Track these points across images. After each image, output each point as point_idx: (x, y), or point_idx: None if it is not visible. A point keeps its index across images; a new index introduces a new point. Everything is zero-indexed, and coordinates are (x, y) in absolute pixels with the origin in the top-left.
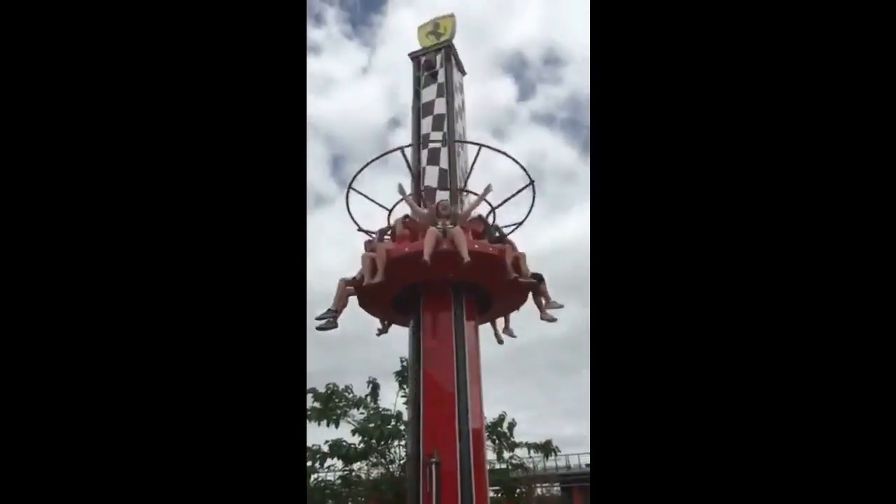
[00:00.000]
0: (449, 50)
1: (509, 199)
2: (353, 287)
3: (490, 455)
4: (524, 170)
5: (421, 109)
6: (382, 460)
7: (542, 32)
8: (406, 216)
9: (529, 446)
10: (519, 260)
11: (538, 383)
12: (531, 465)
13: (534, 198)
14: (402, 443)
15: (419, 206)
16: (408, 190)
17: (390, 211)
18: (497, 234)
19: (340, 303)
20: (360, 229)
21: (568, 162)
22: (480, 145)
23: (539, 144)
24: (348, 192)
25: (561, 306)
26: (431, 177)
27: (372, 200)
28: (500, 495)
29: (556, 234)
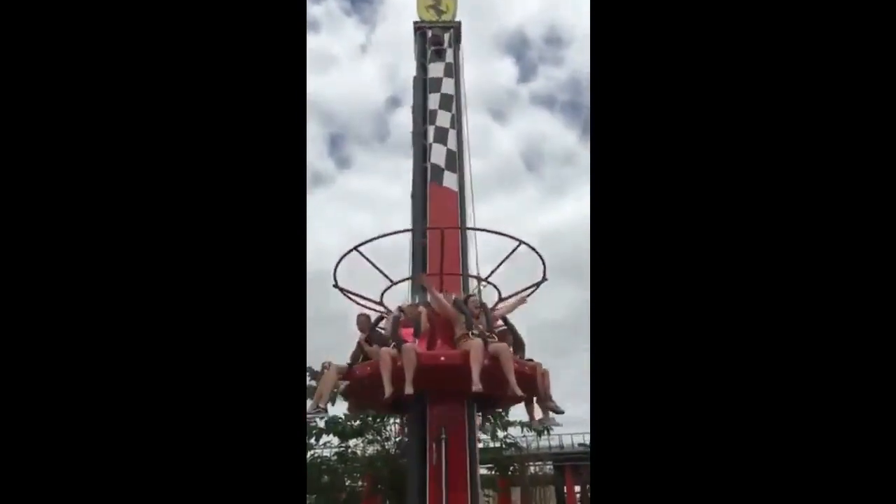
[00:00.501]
0: (458, 30)
1: (520, 292)
2: (343, 377)
3: (484, 434)
4: (542, 262)
5: (428, 84)
6: (378, 437)
7: (544, 11)
8: (427, 304)
9: (523, 425)
10: (545, 377)
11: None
12: (524, 445)
13: (537, 285)
14: (398, 420)
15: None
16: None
17: (387, 288)
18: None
19: (329, 393)
20: (345, 292)
21: (567, 145)
22: (520, 242)
23: (539, 126)
24: (342, 257)
25: (558, 416)
26: (438, 155)
27: (378, 269)
28: (493, 472)
29: (553, 218)
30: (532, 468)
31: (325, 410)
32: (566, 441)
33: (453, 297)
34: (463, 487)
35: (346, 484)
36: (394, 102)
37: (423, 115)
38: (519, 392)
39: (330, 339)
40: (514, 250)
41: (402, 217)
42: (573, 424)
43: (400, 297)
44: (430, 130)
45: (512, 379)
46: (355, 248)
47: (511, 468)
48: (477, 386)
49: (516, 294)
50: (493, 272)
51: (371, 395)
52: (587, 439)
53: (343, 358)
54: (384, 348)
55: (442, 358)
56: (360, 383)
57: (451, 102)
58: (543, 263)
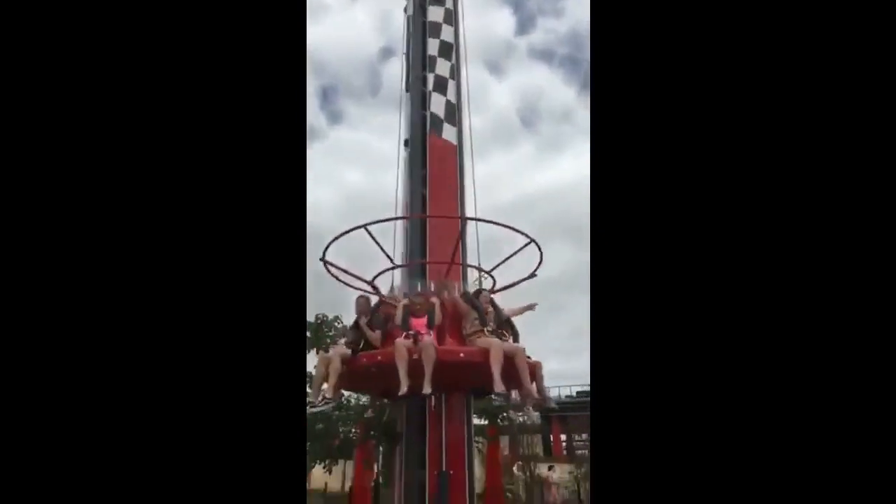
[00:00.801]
0: None
1: (513, 284)
2: (347, 364)
3: None
4: (540, 258)
5: (427, 28)
6: None
7: None
8: (438, 295)
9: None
10: (541, 370)
11: (526, 321)
12: (514, 395)
13: (526, 278)
14: None
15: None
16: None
17: (374, 277)
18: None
19: (335, 382)
20: (328, 265)
21: (565, 101)
22: (530, 240)
23: (536, 81)
24: (345, 234)
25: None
26: (438, 104)
27: (383, 250)
28: (481, 420)
29: (550, 176)
30: (520, 418)
31: (333, 399)
32: (554, 393)
33: (455, 285)
34: (460, 428)
35: (340, 431)
36: (387, 52)
37: (421, 60)
38: (536, 395)
39: (323, 294)
40: (523, 247)
41: (396, 172)
42: (561, 378)
43: (385, 278)
44: (430, 78)
45: (527, 379)
46: (363, 226)
47: (500, 417)
48: (500, 387)
49: (512, 285)
50: (496, 267)
51: (377, 383)
52: (574, 391)
53: (335, 311)
54: (400, 340)
55: (461, 355)
56: (366, 371)
57: (451, 51)
58: (540, 260)
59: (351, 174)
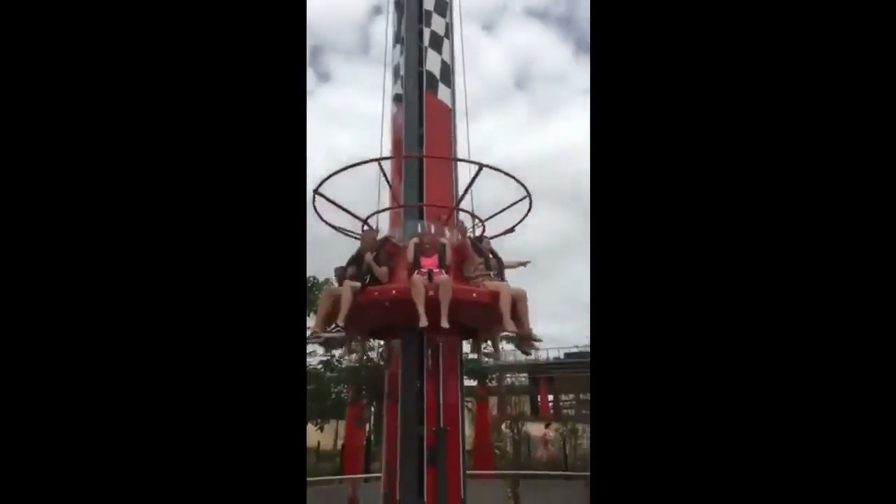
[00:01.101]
0: None
1: (505, 233)
2: (358, 297)
3: (466, 346)
4: (526, 214)
5: None
6: (361, 347)
7: None
8: (445, 235)
9: (502, 338)
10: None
11: (517, 283)
12: (502, 357)
13: (505, 232)
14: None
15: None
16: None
17: (368, 216)
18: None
19: (346, 312)
20: (318, 194)
21: (560, 62)
22: (527, 193)
23: (531, 41)
24: (355, 165)
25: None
26: (433, 62)
27: (390, 185)
28: (471, 381)
29: (542, 141)
30: (509, 379)
31: (342, 329)
32: (542, 355)
33: (455, 230)
34: (455, 387)
35: (332, 391)
36: (376, 11)
37: (418, 14)
38: (536, 338)
39: (314, 258)
40: (518, 201)
41: (386, 130)
42: (549, 341)
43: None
44: (426, 33)
45: (527, 321)
46: (377, 160)
47: (490, 377)
48: (511, 326)
49: (495, 236)
50: (493, 216)
51: (386, 318)
52: (562, 353)
53: (327, 273)
54: (416, 276)
55: (474, 294)
56: (378, 305)
57: (446, 9)
58: (525, 215)
59: (340, 136)
